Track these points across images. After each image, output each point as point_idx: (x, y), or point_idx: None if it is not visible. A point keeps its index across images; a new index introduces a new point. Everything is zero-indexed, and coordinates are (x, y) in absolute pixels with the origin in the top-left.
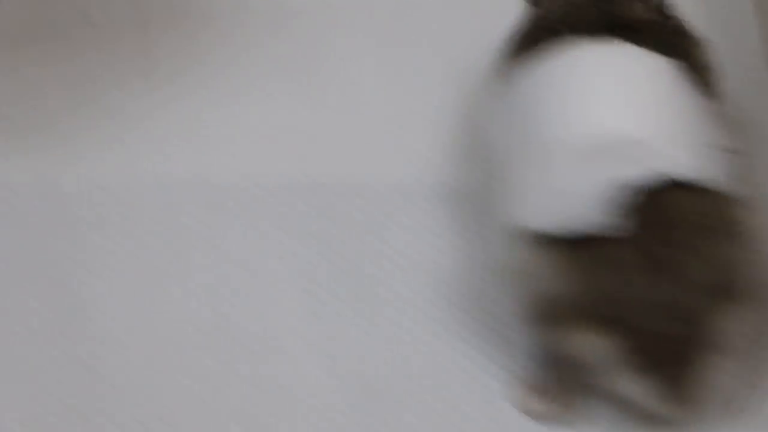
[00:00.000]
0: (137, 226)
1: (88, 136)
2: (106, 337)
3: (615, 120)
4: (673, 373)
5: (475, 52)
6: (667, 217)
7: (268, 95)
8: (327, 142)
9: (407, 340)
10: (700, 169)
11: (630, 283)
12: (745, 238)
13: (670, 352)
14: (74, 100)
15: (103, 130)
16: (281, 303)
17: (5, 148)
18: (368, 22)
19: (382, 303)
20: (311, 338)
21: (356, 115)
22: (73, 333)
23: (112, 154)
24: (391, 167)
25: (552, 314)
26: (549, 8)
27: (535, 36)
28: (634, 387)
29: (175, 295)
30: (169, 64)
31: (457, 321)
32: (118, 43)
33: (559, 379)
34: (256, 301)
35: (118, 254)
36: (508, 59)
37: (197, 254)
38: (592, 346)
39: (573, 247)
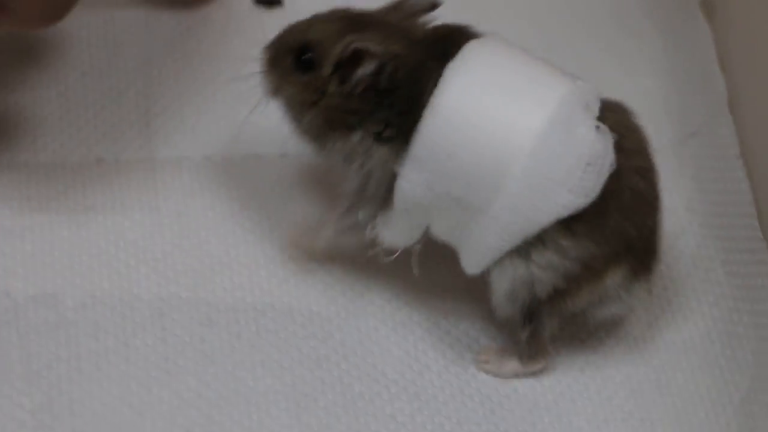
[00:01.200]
0: (132, 335)
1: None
2: None
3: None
4: (651, 266)
5: None
6: (619, 133)
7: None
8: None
9: None
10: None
11: (636, 206)
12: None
13: (651, 248)
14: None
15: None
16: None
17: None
18: None
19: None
20: None
21: None
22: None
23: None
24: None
25: (565, 288)
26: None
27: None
28: (634, 296)
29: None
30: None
31: None
32: None
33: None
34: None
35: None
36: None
37: (188, 363)
38: (606, 285)
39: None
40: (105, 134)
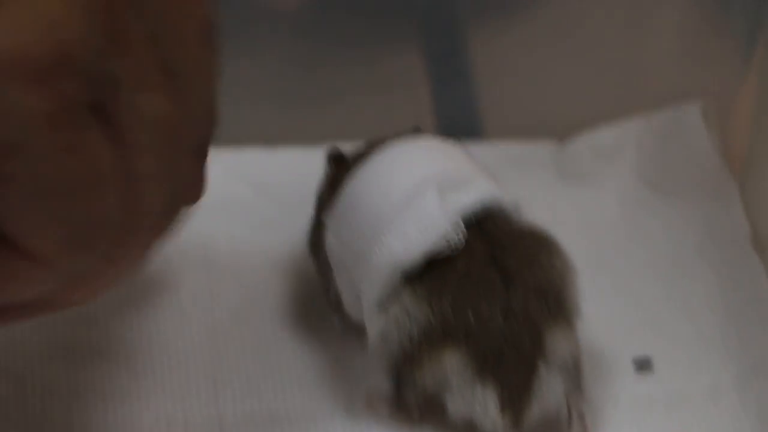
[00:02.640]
0: None
1: None
2: None
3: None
4: (514, 383)
5: None
6: (501, 234)
7: None
8: None
9: None
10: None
11: (481, 293)
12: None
13: (512, 362)
14: None
15: None
16: None
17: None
18: None
19: None
20: None
21: None
22: None
23: None
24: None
25: (410, 352)
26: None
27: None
28: (477, 400)
29: None
30: None
31: None
32: None
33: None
34: None
35: None
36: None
37: None
38: (444, 365)
39: (428, 275)
40: (173, 394)
